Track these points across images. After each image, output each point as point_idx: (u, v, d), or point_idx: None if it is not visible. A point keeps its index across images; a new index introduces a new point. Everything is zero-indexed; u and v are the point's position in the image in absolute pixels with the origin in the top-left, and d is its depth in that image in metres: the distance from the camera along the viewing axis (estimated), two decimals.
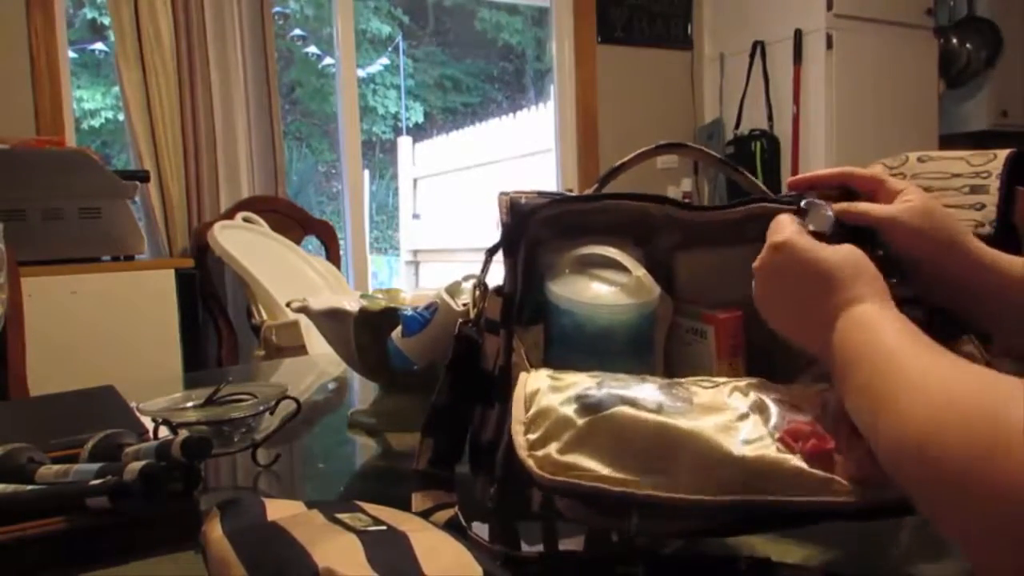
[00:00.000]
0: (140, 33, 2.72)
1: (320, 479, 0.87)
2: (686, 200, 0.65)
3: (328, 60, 3.80)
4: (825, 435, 0.48)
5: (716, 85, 3.99)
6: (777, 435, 0.48)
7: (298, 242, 2.86)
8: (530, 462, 0.48)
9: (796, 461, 0.47)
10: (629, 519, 0.48)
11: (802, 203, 0.59)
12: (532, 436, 0.49)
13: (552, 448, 0.48)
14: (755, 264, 0.56)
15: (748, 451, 0.47)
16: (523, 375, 0.53)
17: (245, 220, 2.75)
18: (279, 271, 2.59)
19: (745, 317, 0.61)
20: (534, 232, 0.59)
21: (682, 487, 0.46)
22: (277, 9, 3.38)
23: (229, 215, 2.77)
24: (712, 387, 0.52)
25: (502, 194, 0.60)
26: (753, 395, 0.51)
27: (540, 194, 0.60)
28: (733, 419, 0.49)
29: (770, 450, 0.47)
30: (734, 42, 3.89)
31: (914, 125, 3.76)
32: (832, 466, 0.47)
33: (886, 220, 0.58)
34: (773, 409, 0.50)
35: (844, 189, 0.62)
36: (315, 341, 2.13)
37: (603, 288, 0.59)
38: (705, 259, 0.64)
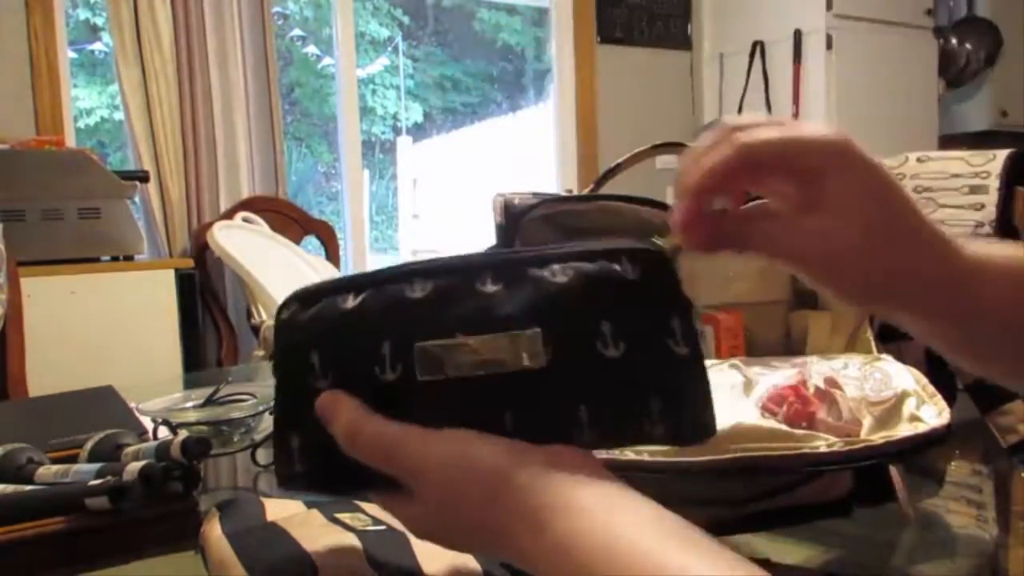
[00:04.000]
0: (139, 33, 2.72)
1: None
2: None
3: (328, 60, 3.79)
4: (808, 398, 0.48)
5: (716, 85, 3.99)
6: (760, 404, 0.48)
7: (298, 242, 2.86)
8: None
9: (777, 423, 0.47)
10: None
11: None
12: None
13: None
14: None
15: (731, 419, 0.47)
16: None
17: (245, 220, 2.75)
18: (279, 271, 2.59)
19: (745, 317, 0.61)
20: (535, 233, 0.60)
21: (662, 453, 0.46)
22: (277, 9, 3.37)
23: (229, 215, 2.77)
24: None
25: (497, 195, 0.60)
26: (735, 373, 0.52)
27: (535, 195, 0.60)
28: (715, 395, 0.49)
29: (752, 416, 0.47)
30: (734, 42, 3.89)
31: (914, 125, 3.76)
32: (815, 427, 0.47)
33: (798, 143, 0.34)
34: (756, 381, 0.50)
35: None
36: None
37: None
38: (704, 260, 0.64)
